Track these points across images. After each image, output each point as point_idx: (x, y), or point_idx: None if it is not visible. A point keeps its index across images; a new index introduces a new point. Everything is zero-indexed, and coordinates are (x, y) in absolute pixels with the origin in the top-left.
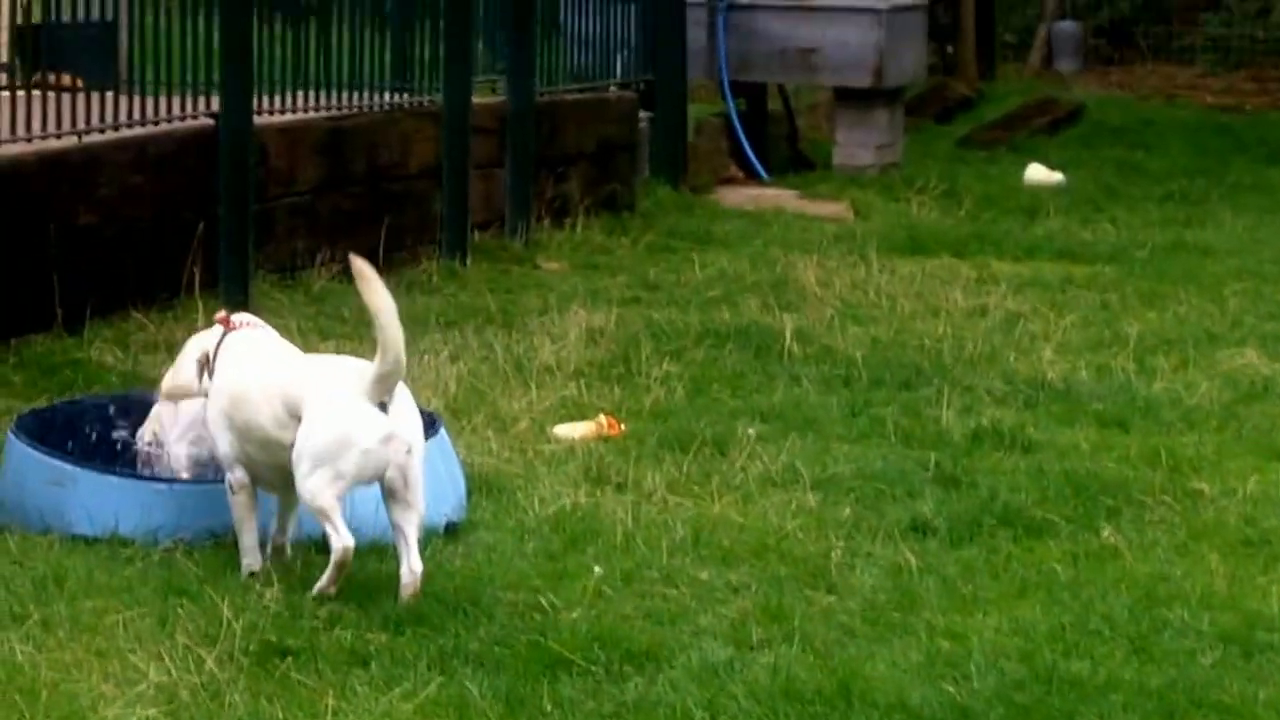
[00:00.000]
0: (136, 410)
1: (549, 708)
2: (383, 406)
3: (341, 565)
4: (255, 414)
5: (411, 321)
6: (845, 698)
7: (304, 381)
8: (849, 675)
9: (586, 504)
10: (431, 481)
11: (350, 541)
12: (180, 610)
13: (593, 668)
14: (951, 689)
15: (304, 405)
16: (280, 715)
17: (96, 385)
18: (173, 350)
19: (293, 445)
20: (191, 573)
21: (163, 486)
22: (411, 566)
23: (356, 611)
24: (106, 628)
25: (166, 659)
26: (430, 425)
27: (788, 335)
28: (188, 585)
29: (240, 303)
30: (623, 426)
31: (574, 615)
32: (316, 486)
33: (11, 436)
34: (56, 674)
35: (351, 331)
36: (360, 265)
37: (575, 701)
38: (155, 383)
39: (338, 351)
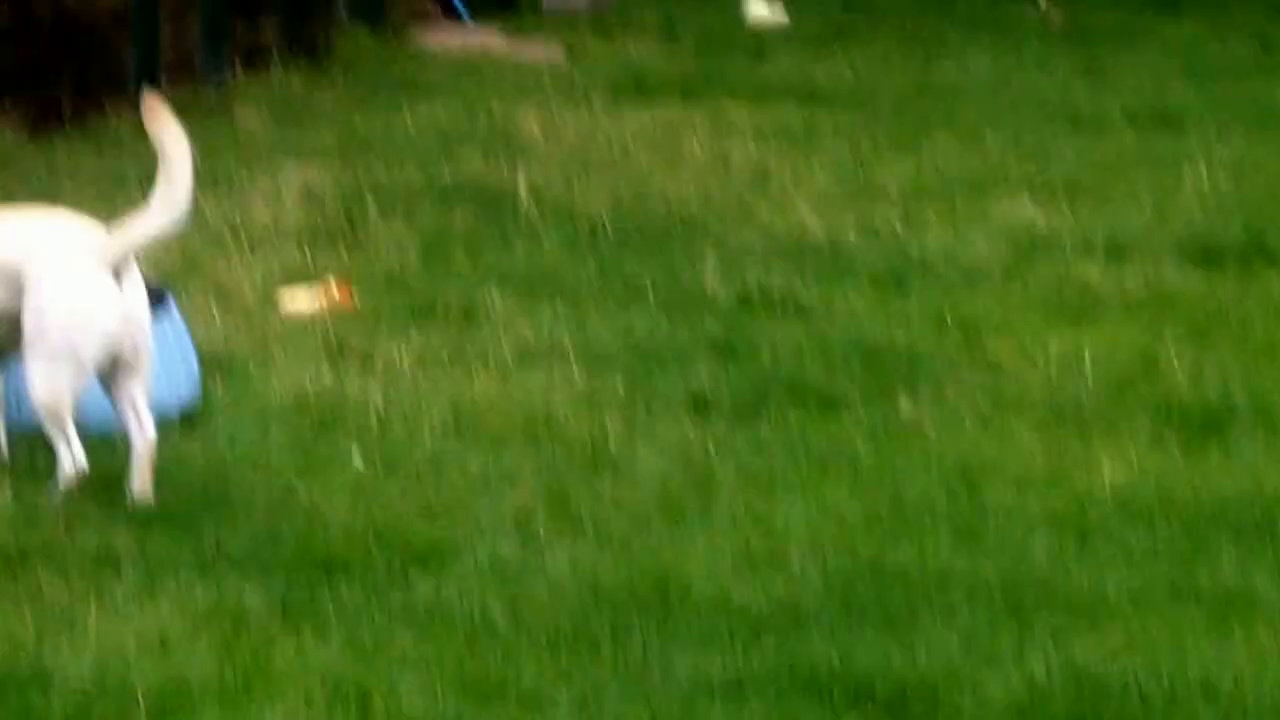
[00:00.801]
0: None
1: (331, 615)
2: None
3: (71, 490)
4: None
5: (107, 182)
6: (661, 597)
7: (28, 246)
8: (662, 573)
9: (331, 384)
10: (163, 363)
11: (85, 465)
12: None
13: (371, 567)
14: (777, 586)
15: (28, 277)
16: (34, 628)
17: None
18: None
19: None
20: None
21: None
22: (147, 435)
23: (97, 509)
24: None
25: None
26: (158, 300)
27: (520, 192)
28: None
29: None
30: (355, 294)
31: (339, 510)
32: (58, 386)
33: None
34: None
35: (39, 191)
36: (152, 101)
37: (359, 608)
38: None
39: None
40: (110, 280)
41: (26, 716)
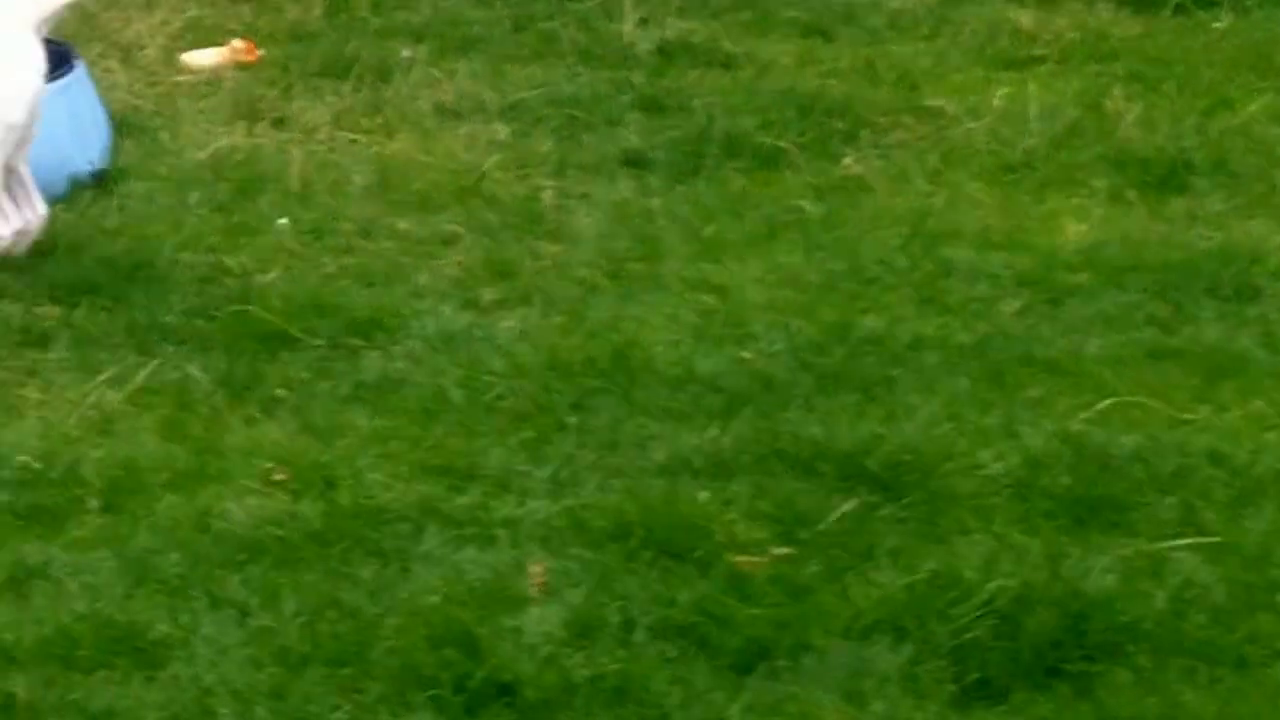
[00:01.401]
0: None
1: (280, 392)
2: None
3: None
4: None
5: None
6: (624, 368)
7: None
8: (620, 342)
9: (245, 144)
10: (74, 126)
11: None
12: None
13: (314, 340)
14: (743, 354)
15: None
16: None
17: None
18: None
19: None
20: None
21: None
22: (39, 211)
23: (15, 281)
24: None
25: None
26: (65, 60)
27: None
28: None
29: None
30: (260, 51)
31: (270, 278)
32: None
33: None
34: None
35: None
36: None
37: (307, 383)
38: None
39: None
40: (37, 42)
41: None
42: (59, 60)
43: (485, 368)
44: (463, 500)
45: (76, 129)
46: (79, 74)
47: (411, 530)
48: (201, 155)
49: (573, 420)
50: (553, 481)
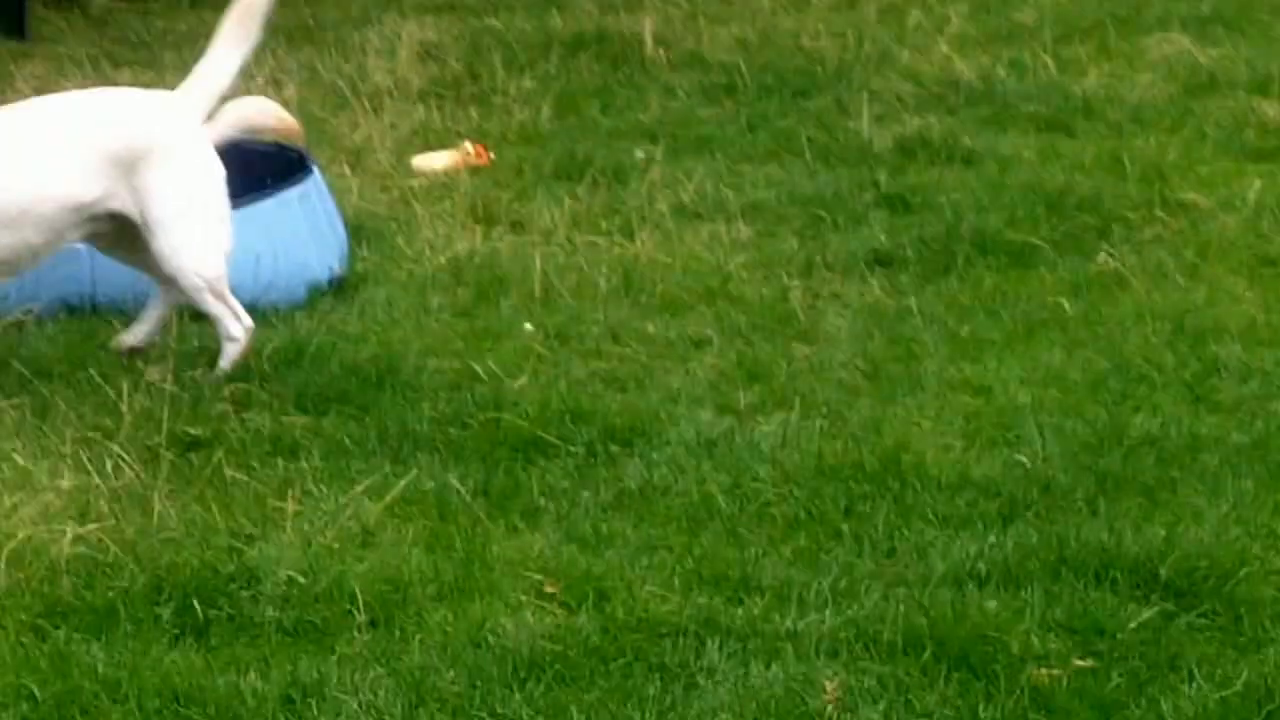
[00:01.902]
0: None
1: (540, 500)
2: None
3: (246, 352)
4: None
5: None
6: (894, 472)
7: (128, 128)
8: (888, 446)
9: (483, 248)
10: (312, 232)
11: (251, 324)
12: (55, 397)
13: (571, 447)
14: (1018, 457)
15: (147, 156)
16: (231, 525)
17: None
18: None
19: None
20: (49, 353)
21: None
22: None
23: (261, 390)
24: None
25: (61, 458)
26: (301, 165)
27: (646, 39)
28: (50, 366)
29: (16, 32)
30: (491, 154)
31: (520, 383)
32: (216, 253)
33: None
34: None
35: (147, 58)
36: None
37: (568, 492)
38: None
39: (133, 79)
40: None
41: (240, 620)
42: (294, 166)
43: (751, 474)
44: (742, 612)
45: (315, 235)
46: (315, 180)
47: (693, 644)
48: (440, 259)
49: (846, 527)
50: (832, 591)
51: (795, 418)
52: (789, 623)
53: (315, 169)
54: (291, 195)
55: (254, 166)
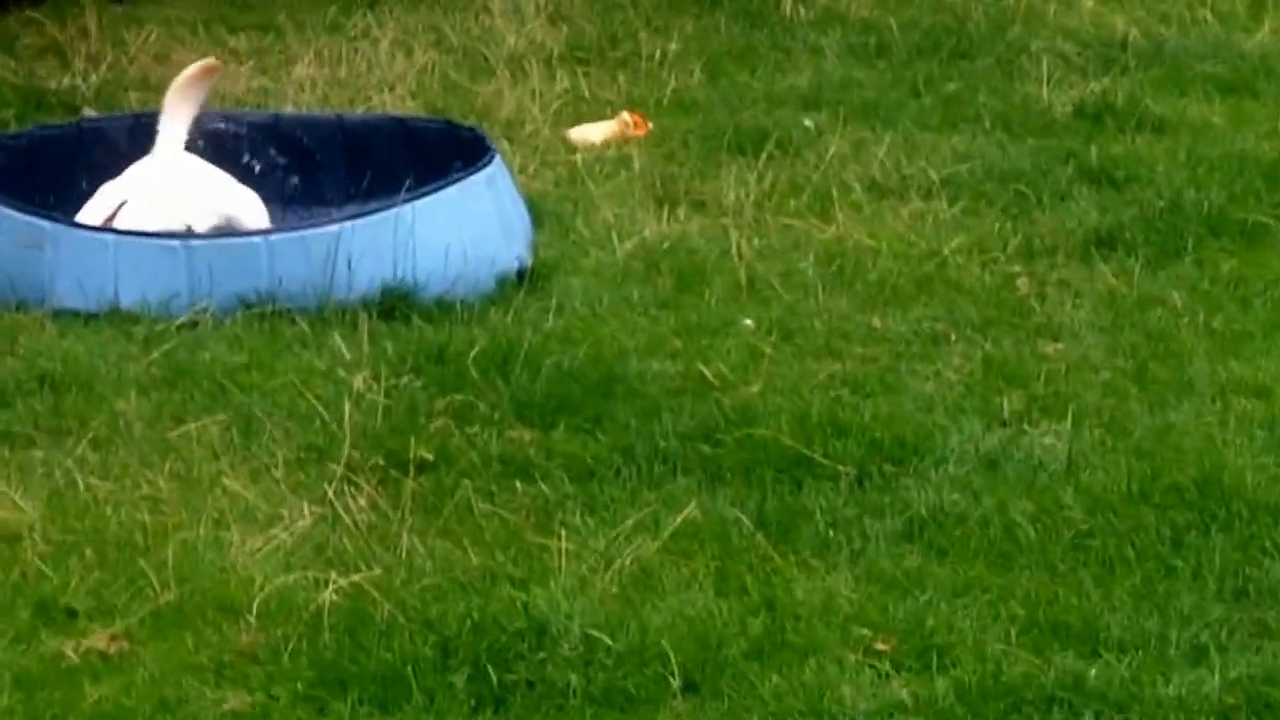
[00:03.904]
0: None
1: (827, 531)
2: None
3: None
4: None
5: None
6: (1218, 498)
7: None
8: (1203, 467)
9: (672, 231)
10: (499, 217)
11: None
12: (254, 409)
13: (840, 467)
14: None
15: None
16: (489, 564)
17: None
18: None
19: None
20: (236, 358)
21: (174, 243)
22: None
23: (476, 399)
24: (174, 443)
25: (276, 482)
26: (483, 148)
27: None
28: (242, 375)
29: None
30: (649, 124)
31: (757, 389)
32: None
33: None
34: (149, 517)
35: (262, 19)
36: None
37: (853, 522)
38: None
39: (251, 46)
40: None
41: (541, 688)
42: (473, 148)
43: (1052, 498)
44: (1107, 672)
45: (503, 222)
46: (498, 163)
47: (1066, 715)
48: (628, 245)
49: (1180, 563)
50: (1193, 646)
51: (1067, 428)
52: (1170, 688)
53: (495, 151)
54: (478, 180)
55: (429, 150)
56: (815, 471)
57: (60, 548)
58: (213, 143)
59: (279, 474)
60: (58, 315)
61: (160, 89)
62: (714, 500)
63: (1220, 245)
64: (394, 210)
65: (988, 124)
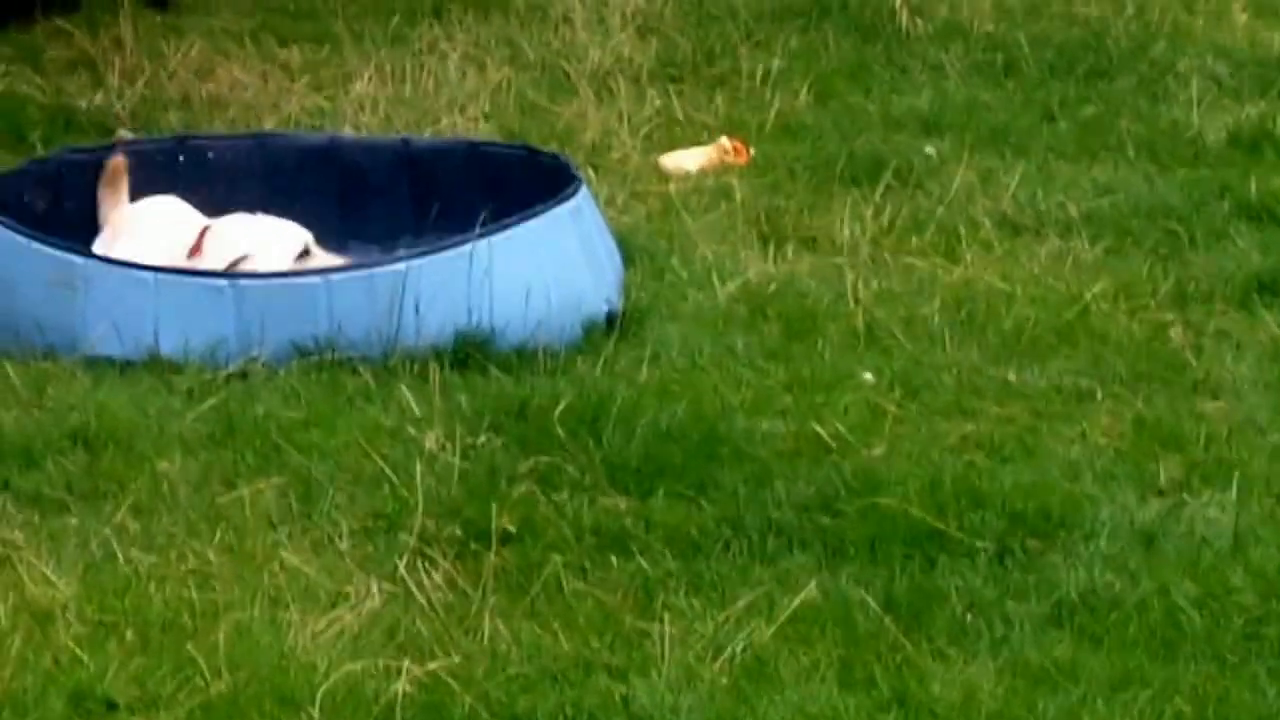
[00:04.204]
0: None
1: (964, 615)
2: None
3: None
4: None
5: (379, 10)
6: None
7: None
8: None
9: (779, 272)
10: (586, 255)
11: None
12: (318, 476)
13: (977, 542)
14: None
15: None
16: (584, 652)
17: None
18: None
19: None
20: (292, 413)
21: (222, 283)
22: None
23: (564, 462)
24: (224, 509)
25: (340, 556)
26: (567, 177)
27: (897, 6)
28: (299, 433)
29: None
30: (750, 150)
31: (881, 453)
32: None
33: None
34: (199, 595)
35: (317, 30)
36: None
37: (994, 605)
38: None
39: (305, 59)
40: None
41: None
42: (555, 176)
43: (1219, 579)
44: None
45: (590, 260)
46: (584, 194)
47: None
48: (730, 287)
49: None
50: None
51: (1232, 499)
52: None
53: (582, 181)
54: (562, 213)
55: (505, 178)
56: (949, 547)
57: (98, 629)
58: (265, 166)
59: (343, 546)
60: (91, 363)
61: (204, 107)
62: (835, 579)
63: None
64: (468, 246)
65: (1131, 153)
